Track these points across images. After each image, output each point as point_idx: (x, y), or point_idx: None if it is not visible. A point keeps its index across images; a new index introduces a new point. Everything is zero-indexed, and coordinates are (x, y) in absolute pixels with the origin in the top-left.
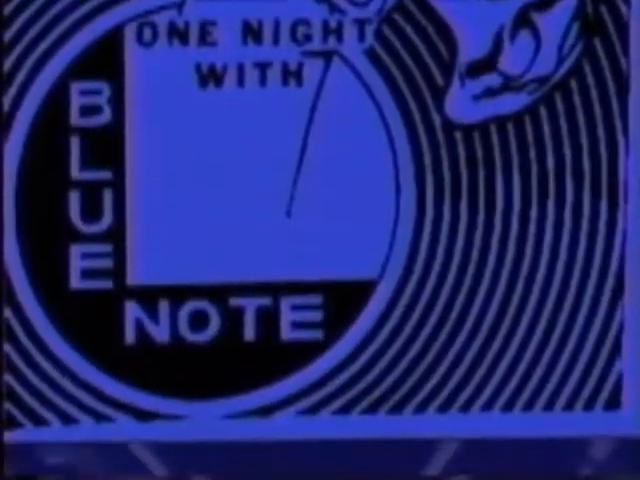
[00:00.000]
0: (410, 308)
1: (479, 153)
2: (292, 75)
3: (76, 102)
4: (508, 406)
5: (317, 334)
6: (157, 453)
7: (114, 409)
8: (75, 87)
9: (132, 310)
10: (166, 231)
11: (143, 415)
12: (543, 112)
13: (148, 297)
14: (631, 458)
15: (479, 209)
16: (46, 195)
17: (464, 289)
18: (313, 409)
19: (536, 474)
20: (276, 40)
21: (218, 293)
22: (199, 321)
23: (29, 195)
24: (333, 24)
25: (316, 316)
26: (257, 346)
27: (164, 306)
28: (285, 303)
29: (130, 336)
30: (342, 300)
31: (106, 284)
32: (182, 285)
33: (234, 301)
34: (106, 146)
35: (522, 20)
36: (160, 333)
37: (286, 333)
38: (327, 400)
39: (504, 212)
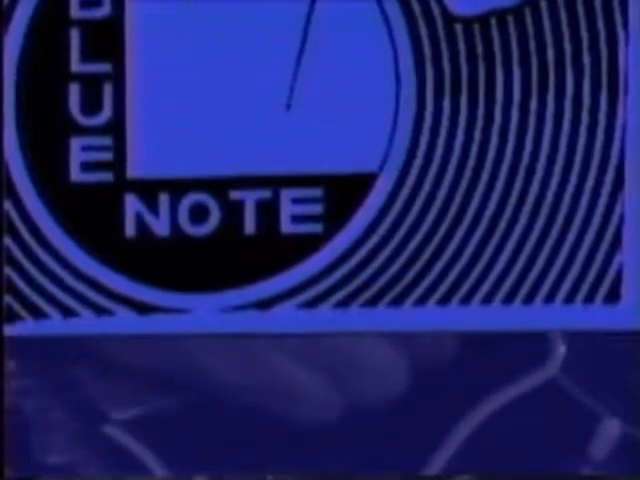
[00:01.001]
0: (410, 201)
1: (479, 46)
2: None
3: None
4: (508, 299)
5: (317, 227)
6: (157, 453)
7: (114, 302)
8: None
9: (132, 203)
10: (166, 124)
11: (143, 308)
12: (543, 4)
13: (148, 190)
14: (631, 456)
15: (479, 102)
16: (46, 88)
17: (464, 182)
18: (313, 302)
19: (536, 474)
20: None
21: (218, 186)
22: (199, 214)
23: (29, 88)
24: None
25: (316, 209)
26: (257, 239)
27: (164, 199)
28: (285, 196)
29: (130, 229)
30: (342, 193)
31: (106, 177)
32: (182, 178)
33: (234, 194)
34: (106, 39)
35: None
36: (160, 226)
37: (286, 226)
38: (327, 293)
39: (504, 105)
